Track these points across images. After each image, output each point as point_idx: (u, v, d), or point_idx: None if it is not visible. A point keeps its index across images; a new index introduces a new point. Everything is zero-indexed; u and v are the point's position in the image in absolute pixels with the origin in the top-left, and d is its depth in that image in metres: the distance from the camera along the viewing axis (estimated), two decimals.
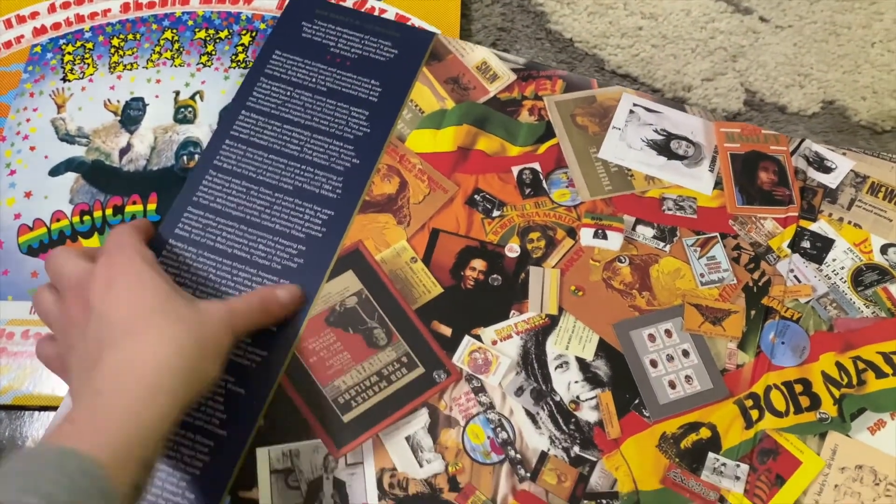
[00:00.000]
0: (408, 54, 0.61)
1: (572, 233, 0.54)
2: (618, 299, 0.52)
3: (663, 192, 0.56)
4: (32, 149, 0.59)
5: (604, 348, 0.51)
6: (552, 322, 0.51)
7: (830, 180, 0.56)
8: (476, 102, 0.59)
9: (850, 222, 0.55)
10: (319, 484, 0.47)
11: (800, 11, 0.65)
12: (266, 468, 0.47)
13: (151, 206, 0.58)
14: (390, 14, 0.65)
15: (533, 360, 0.50)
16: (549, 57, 0.65)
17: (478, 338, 0.51)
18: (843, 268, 0.53)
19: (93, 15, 0.64)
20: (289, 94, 0.59)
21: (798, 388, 0.49)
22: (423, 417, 0.49)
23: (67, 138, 0.60)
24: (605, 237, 0.54)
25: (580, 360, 0.50)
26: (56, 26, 0.64)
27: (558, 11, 0.66)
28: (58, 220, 0.57)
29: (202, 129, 0.60)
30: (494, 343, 0.51)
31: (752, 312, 0.52)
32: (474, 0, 0.67)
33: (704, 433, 0.48)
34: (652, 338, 0.51)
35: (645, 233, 0.54)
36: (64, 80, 0.62)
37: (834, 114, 0.63)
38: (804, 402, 0.49)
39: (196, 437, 0.48)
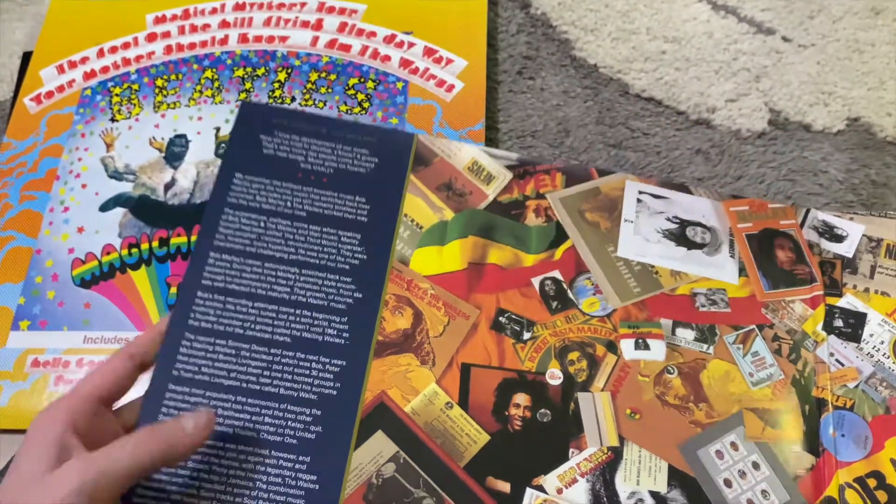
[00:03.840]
0: (390, 162, 0.54)
1: (612, 347, 0.50)
2: (677, 416, 0.48)
3: (692, 286, 0.52)
4: (84, 186, 0.62)
5: (675, 476, 0.46)
6: (616, 455, 0.47)
7: (846, 249, 0.55)
8: (477, 209, 0.53)
9: (876, 291, 0.54)
10: None
11: (822, 30, 0.66)
12: None
13: (195, 238, 0.55)
14: (418, 48, 0.65)
15: None
16: (575, 83, 0.64)
17: (540, 488, 0.45)
18: (882, 342, 0.52)
19: (138, 58, 0.68)
20: (262, 224, 0.50)
21: (871, 482, 0.48)
22: None
23: (116, 175, 0.63)
24: (647, 347, 0.50)
25: (655, 495, 0.46)
26: (104, 70, 0.68)
27: (582, 38, 0.66)
28: (108, 254, 0.59)
29: None
30: (560, 492, 0.45)
31: (807, 408, 0.49)
32: (500, 30, 0.67)
33: None
34: (720, 454, 0.47)
35: (686, 336, 0.51)
36: (112, 119, 0.65)
37: (859, 131, 0.63)
38: (882, 496, 0.47)
39: None
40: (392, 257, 0.50)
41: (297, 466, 0.44)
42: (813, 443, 0.48)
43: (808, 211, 0.56)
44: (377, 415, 0.46)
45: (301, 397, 0.46)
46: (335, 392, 0.46)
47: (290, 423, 0.45)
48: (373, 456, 0.45)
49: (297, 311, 0.48)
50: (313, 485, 0.44)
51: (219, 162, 0.60)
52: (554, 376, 0.48)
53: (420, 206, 0.53)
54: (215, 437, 0.44)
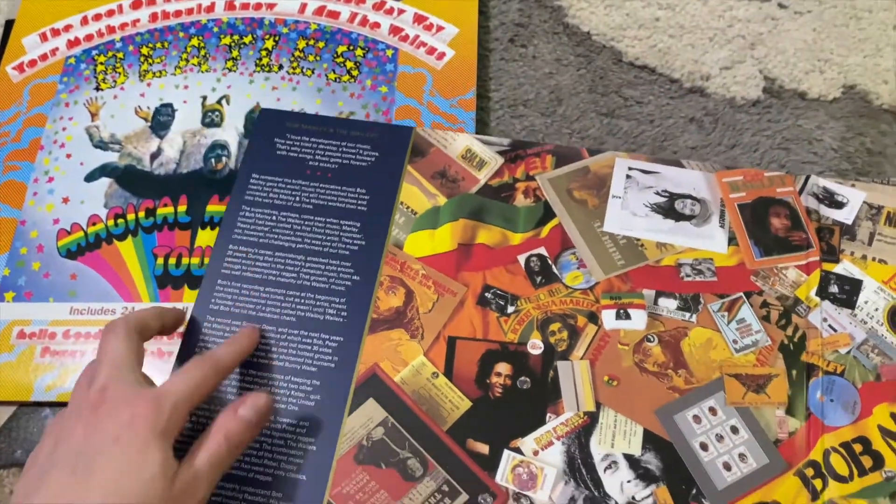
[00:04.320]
0: (389, 155, 0.58)
1: (593, 318, 0.52)
2: (654, 383, 0.50)
3: (678, 257, 0.53)
4: (69, 156, 0.62)
5: (650, 439, 0.48)
6: (592, 420, 0.49)
7: (845, 216, 0.54)
8: (468, 194, 0.57)
9: (874, 259, 0.53)
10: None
11: None
12: None
13: (182, 208, 0.59)
14: (408, 15, 0.65)
15: (580, 466, 0.48)
16: (568, 51, 0.64)
17: (517, 450, 0.48)
18: (877, 309, 0.51)
19: (123, 25, 0.67)
20: (274, 218, 0.56)
21: (857, 447, 0.47)
22: None
23: (101, 145, 0.62)
24: (628, 317, 0.52)
25: (628, 457, 0.48)
26: (88, 38, 0.67)
27: (575, 5, 0.67)
28: (94, 224, 0.59)
29: (229, 133, 0.62)
30: (536, 453, 0.48)
31: (794, 372, 0.49)
32: None
33: None
34: (697, 419, 0.49)
35: (668, 305, 0.52)
36: (97, 89, 0.65)
37: (855, 98, 0.62)
38: (866, 462, 0.47)
39: None
40: (388, 242, 0.55)
41: (298, 430, 0.50)
42: (798, 407, 0.48)
43: (808, 178, 0.56)
44: (369, 384, 0.51)
45: (303, 370, 0.51)
46: (333, 365, 0.51)
47: (292, 392, 0.51)
48: (364, 421, 0.50)
49: (302, 294, 0.54)
50: (311, 446, 0.49)
51: (205, 131, 0.62)
52: (535, 346, 0.51)
53: (415, 194, 0.57)
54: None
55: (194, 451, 0.42)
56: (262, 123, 0.60)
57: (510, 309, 0.53)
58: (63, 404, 0.53)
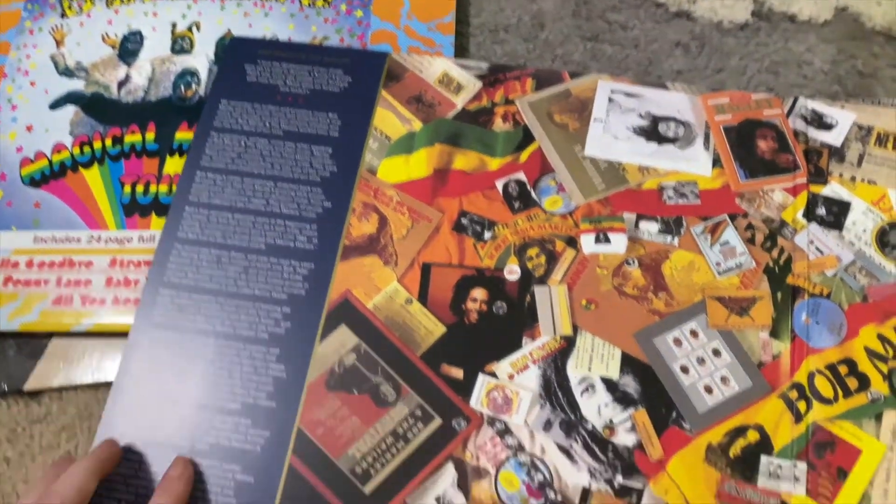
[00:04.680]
0: (363, 80, 0.56)
1: (572, 242, 0.50)
2: (634, 306, 0.48)
3: (660, 181, 0.52)
4: (33, 84, 0.60)
5: (629, 363, 0.47)
6: (569, 344, 0.47)
7: (834, 138, 0.52)
8: (445, 119, 0.55)
9: (863, 180, 0.51)
10: None
11: None
12: None
13: (150, 135, 0.58)
14: None
15: (556, 389, 0.46)
16: None
17: (493, 375, 0.47)
18: (865, 230, 0.49)
19: None
20: (243, 144, 0.54)
21: (843, 369, 0.46)
22: (449, 473, 0.45)
23: (67, 73, 0.61)
24: (607, 241, 0.50)
25: (606, 381, 0.46)
26: None
27: None
28: (59, 152, 0.58)
29: (199, 60, 0.61)
30: (511, 378, 0.47)
31: (779, 295, 0.48)
32: None
33: (752, 436, 0.45)
34: (678, 342, 0.47)
35: (649, 228, 0.50)
36: (62, 16, 0.63)
37: (847, 20, 0.59)
38: (852, 383, 0.45)
39: None
40: (361, 168, 0.53)
41: (267, 357, 0.48)
42: (783, 330, 0.47)
43: (795, 100, 0.54)
44: (341, 311, 0.49)
45: (273, 297, 0.50)
46: (304, 292, 0.50)
47: (262, 319, 0.49)
48: (336, 347, 0.48)
49: (272, 221, 0.52)
50: (281, 373, 0.48)
51: (175, 58, 0.60)
52: (512, 272, 0.50)
53: (389, 119, 0.55)
54: (197, 333, 0.49)
55: None
56: (232, 51, 0.58)
57: (487, 235, 0.51)
58: (27, 335, 0.52)
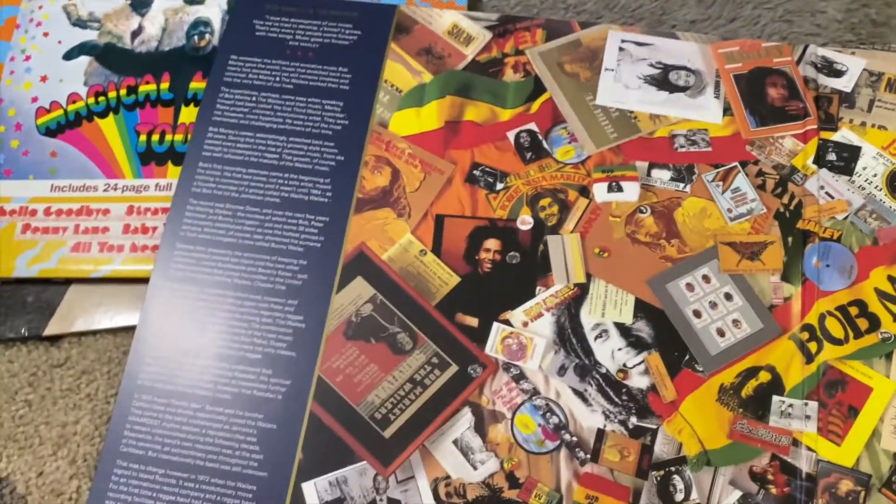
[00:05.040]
0: (372, 33, 0.56)
1: (585, 192, 0.51)
2: (647, 253, 0.49)
3: (672, 129, 0.52)
4: (46, 35, 0.60)
5: (642, 308, 0.47)
6: (582, 291, 0.48)
7: (844, 84, 0.52)
8: (455, 70, 0.55)
9: (873, 125, 0.51)
10: None
11: None
12: (316, 502, 0.45)
13: (164, 85, 0.58)
14: None
15: (570, 335, 0.47)
16: None
17: (507, 323, 0.48)
18: (875, 175, 0.50)
19: None
20: (254, 99, 0.54)
21: (853, 310, 0.47)
22: (466, 418, 0.46)
23: (79, 23, 0.61)
24: (620, 189, 0.50)
25: (619, 326, 0.47)
26: None
27: None
28: (73, 102, 0.58)
29: (212, 10, 0.60)
30: (525, 325, 0.48)
31: (790, 239, 0.48)
32: None
33: (764, 377, 0.46)
34: (690, 287, 0.48)
35: (661, 176, 0.51)
36: None
37: None
38: (862, 324, 0.46)
39: (237, 485, 0.45)
40: (372, 121, 0.53)
41: (286, 308, 0.49)
42: (794, 273, 0.48)
43: (806, 47, 0.53)
44: (357, 263, 0.50)
45: (289, 250, 0.50)
46: (319, 245, 0.50)
47: (280, 272, 0.50)
48: (352, 298, 0.49)
49: (286, 175, 0.52)
50: (300, 323, 0.48)
51: (188, 8, 0.60)
52: (525, 222, 0.50)
53: (400, 72, 0.55)
54: (215, 286, 0.50)
55: None
56: (240, 6, 0.58)
57: (499, 186, 0.51)
58: (46, 281, 0.53)
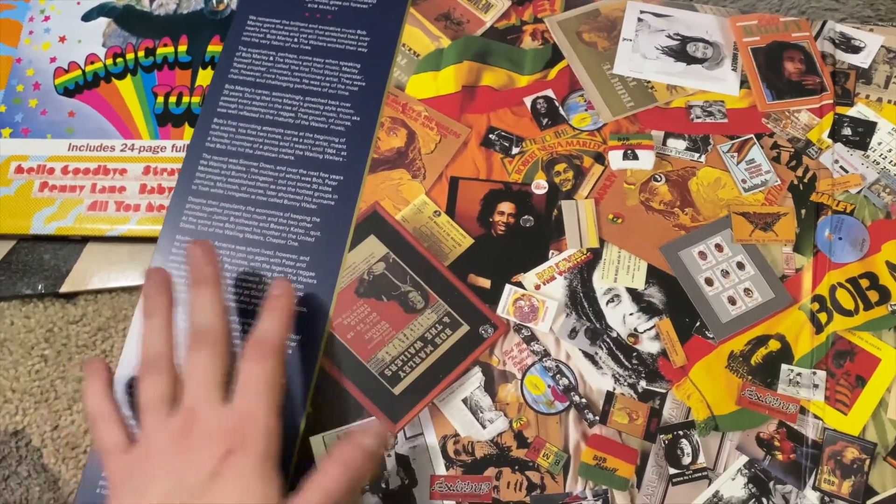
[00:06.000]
0: None
1: (600, 158, 0.51)
2: (660, 221, 0.49)
3: (688, 99, 0.52)
4: None
5: (654, 274, 0.48)
6: (595, 256, 0.48)
7: (861, 60, 0.52)
8: (473, 36, 0.55)
9: (890, 101, 0.51)
10: (382, 463, 0.45)
11: None
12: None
13: (182, 48, 0.58)
14: None
15: (582, 299, 0.47)
16: None
17: (519, 285, 0.48)
18: (890, 150, 0.50)
19: None
20: (272, 59, 0.54)
21: (864, 282, 0.47)
22: (477, 377, 0.46)
23: None
24: (635, 157, 0.50)
25: (631, 291, 0.47)
26: None
27: None
28: (92, 63, 0.58)
29: None
30: (538, 288, 0.48)
31: (803, 211, 0.48)
32: None
33: (774, 345, 0.46)
34: (703, 255, 0.48)
35: (677, 146, 0.51)
36: None
37: None
38: (873, 296, 0.46)
39: None
40: (389, 83, 0.53)
41: (298, 265, 0.49)
42: (806, 245, 0.48)
43: (824, 22, 0.54)
44: (371, 222, 0.50)
45: (303, 207, 0.50)
46: (333, 203, 0.50)
47: (292, 228, 0.50)
48: (365, 256, 0.49)
49: (301, 134, 0.52)
50: (312, 279, 0.48)
51: None
52: (539, 186, 0.50)
53: (418, 36, 0.55)
54: (226, 240, 0.50)
55: (307, 486, 0.38)
56: None
57: (515, 150, 0.51)
58: (63, 238, 0.53)
